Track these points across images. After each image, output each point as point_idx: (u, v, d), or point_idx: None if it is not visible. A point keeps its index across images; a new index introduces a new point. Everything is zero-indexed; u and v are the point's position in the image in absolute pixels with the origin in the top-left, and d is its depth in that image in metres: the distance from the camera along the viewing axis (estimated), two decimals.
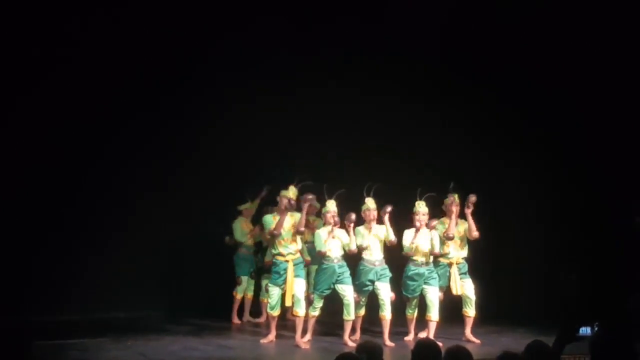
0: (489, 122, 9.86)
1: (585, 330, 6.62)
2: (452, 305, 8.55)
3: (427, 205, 8.20)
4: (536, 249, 9.69)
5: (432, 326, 8.23)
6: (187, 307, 9.83)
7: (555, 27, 9.06)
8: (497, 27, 9.35)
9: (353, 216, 7.97)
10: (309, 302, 8.15)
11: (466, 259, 8.50)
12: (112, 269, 9.48)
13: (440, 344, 4.71)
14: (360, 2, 9.52)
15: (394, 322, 8.26)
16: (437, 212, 8.49)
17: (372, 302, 8.28)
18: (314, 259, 8.73)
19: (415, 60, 9.72)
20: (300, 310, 7.97)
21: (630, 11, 8.56)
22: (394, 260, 8.34)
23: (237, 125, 9.86)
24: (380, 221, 8.14)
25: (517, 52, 9.36)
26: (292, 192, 8.06)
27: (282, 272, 8.04)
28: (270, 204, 8.85)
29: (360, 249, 8.06)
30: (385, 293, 8.11)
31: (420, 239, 8.14)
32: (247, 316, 9.71)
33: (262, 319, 9.50)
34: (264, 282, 9.30)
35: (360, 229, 8.14)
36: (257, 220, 9.46)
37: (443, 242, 8.29)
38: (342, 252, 8.07)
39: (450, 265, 8.43)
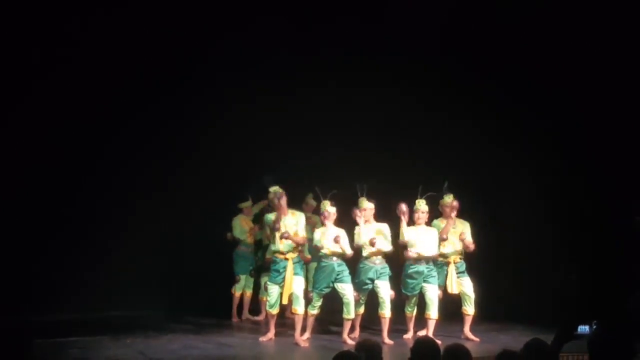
0: (489, 122, 9.85)
1: (583, 329, 6.65)
2: (451, 304, 8.57)
3: (427, 203, 8.24)
4: (536, 248, 9.69)
5: (431, 324, 8.25)
6: (186, 305, 9.85)
7: (555, 26, 9.06)
8: (497, 27, 9.36)
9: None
10: (308, 301, 8.16)
11: (464, 258, 8.53)
12: (111, 267, 9.51)
13: (439, 342, 4.73)
14: (360, 2, 9.53)
15: (393, 320, 8.29)
16: (437, 212, 8.53)
17: (372, 301, 8.29)
18: (314, 257, 8.74)
19: (415, 60, 9.71)
20: (299, 309, 7.99)
21: (630, 11, 8.57)
22: (393, 259, 8.36)
23: (237, 125, 9.88)
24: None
25: (517, 52, 9.36)
26: (273, 189, 8.15)
27: (281, 270, 8.05)
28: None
29: (372, 244, 8.06)
30: (385, 291, 8.12)
31: (421, 237, 8.17)
32: (246, 314, 9.72)
33: (261, 317, 9.51)
34: (263, 280, 9.31)
35: (359, 228, 8.16)
36: (257, 219, 9.50)
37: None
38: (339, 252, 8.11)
39: (448, 264, 8.45)
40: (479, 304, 8.49)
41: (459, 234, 8.43)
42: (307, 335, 8.18)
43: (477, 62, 9.65)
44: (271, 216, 8.17)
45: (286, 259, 8.07)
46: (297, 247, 8.15)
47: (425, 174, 9.16)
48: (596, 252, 8.97)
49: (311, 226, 8.84)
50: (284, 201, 8.07)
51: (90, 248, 9.51)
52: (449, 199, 8.40)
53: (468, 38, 9.56)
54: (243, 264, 9.61)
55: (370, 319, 8.52)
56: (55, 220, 9.30)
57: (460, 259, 8.51)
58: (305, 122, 10.05)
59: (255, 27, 9.42)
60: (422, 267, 8.23)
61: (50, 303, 9.18)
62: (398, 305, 8.36)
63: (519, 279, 9.66)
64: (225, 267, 9.69)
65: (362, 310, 8.34)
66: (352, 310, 8.04)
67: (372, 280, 8.14)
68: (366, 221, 8.16)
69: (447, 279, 8.40)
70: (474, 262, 8.70)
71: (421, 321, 8.38)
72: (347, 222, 8.29)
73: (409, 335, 8.38)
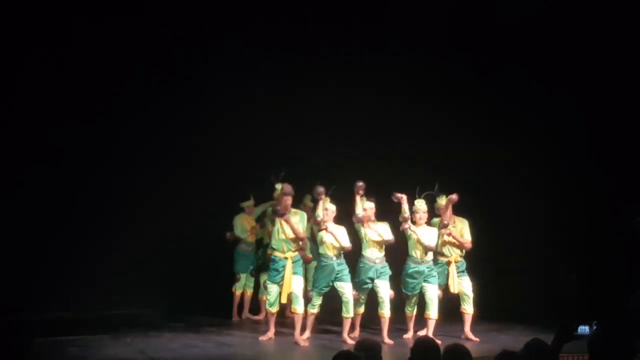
0: (489, 122, 9.86)
1: (583, 329, 6.65)
2: (451, 303, 8.57)
3: (427, 203, 8.27)
4: (536, 248, 9.70)
5: (431, 324, 8.26)
6: (186, 304, 9.87)
7: (556, 27, 9.07)
8: (497, 27, 9.36)
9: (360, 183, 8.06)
10: (308, 300, 8.17)
11: (464, 257, 8.54)
12: (112, 266, 9.52)
13: (439, 341, 4.73)
14: (360, 2, 9.54)
15: (393, 319, 8.30)
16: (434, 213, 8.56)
17: (372, 300, 8.30)
18: (314, 256, 8.75)
19: (415, 61, 9.72)
20: (298, 308, 8.00)
21: (630, 11, 8.58)
22: (393, 258, 8.37)
23: (237, 126, 9.89)
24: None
25: (517, 53, 9.37)
26: (278, 187, 8.17)
27: (280, 270, 8.06)
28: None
29: (357, 219, 8.09)
30: (385, 291, 8.13)
31: (421, 235, 8.19)
32: (246, 313, 9.74)
33: (261, 316, 9.51)
34: (262, 279, 9.32)
35: (359, 227, 8.18)
36: (260, 219, 9.52)
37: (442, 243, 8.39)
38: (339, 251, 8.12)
39: (448, 263, 8.47)
40: (479, 304, 8.50)
41: (459, 232, 8.44)
42: (307, 334, 8.19)
43: (477, 62, 9.66)
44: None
45: (285, 258, 8.07)
46: (298, 245, 8.14)
47: (424, 173, 9.17)
48: (596, 252, 8.99)
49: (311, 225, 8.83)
50: (289, 201, 8.07)
51: (90, 247, 9.51)
52: (442, 201, 8.42)
53: (468, 38, 9.57)
54: (244, 263, 9.62)
55: (370, 319, 8.52)
56: (56, 219, 9.30)
57: (461, 257, 8.52)
58: (305, 122, 10.06)
59: (255, 27, 9.43)
60: (422, 267, 8.24)
61: (50, 302, 9.18)
62: (398, 305, 8.38)
63: (519, 279, 9.67)
64: (225, 266, 9.70)
65: (362, 309, 8.36)
66: (351, 310, 8.05)
67: (372, 280, 8.16)
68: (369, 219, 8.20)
69: (449, 278, 8.41)
70: (474, 262, 8.71)
71: (421, 321, 8.39)
72: (347, 220, 8.28)
73: (409, 335, 8.40)
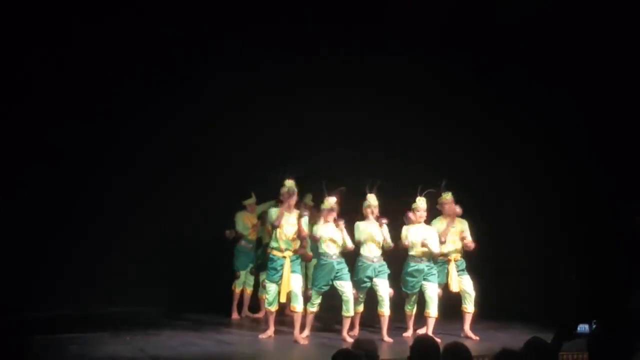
0: (489, 122, 9.88)
1: (583, 328, 6.65)
2: (451, 302, 8.59)
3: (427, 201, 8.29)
4: (536, 247, 9.71)
5: (431, 322, 8.27)
6: (186, 302, 9.89)
7: (556, 27, 9.08)
8: (497, 27, 9.38)
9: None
10: (307, 298, 8.18)
11: (464, 256, 8.55)
12: (111, 265, 9.54)
13: (438, 340, 4.73)
14: (361, 2, 9.55)
15: (393, 318, 8.30)
16: (435, 212, 8.56)
17: (372, 299, 8.31)
18: (314, 255, 8.75)
19: (415, 61, 9.74)
20: (297, 306, 8.00)
21: (630, 11, 8.59)
22: (392, 257, 8.38)
23: (237, 126, 9.91)
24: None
25: (517, 53, 9.38)
26: (288, 184, 8.10)
27: (278, 269, 8.06)
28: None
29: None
30: (384, 289, 8.14)
31: (420, 234, 8.22)
32: (246, 311, 9.75)
33: (260, 315, 9.52)
34: (262, 278, 9.32)
35: (360, 224, 8.19)
36: (260, 216, 9.56)
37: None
38: (339, 249, 8.13)
39: (448, 262, 8.48)
40: (479, 303, 8.51)
41: (459, 233, 8.45)
42: (306, 332, 8.20)
43: (477, 62, 9.67)
44: (275, 211, 8.17)
45: (284, 257, 8.08)
46: (297, 243, 8.15)
47: (424, 173, 9.17)
48: (596, 251, 9.00)
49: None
50: (293, 200, 8.07)
51: (90, 246, 9.53)
52: (447, 196, 8.42)
53: (468, 38, 9.58)
54: (243, 260, 9.63)
55: (370, 317, 8.53)
56: (56, 218, 9.32)
57: (461, 256, 8.54)
58: (304, 121, 10.07)
59: (255, 27, 9.44)
60: (422, 266, 8.26)
61: (50, 300, 9.19)
62: (398, 303, 8.38)
63: (519, 278, 9.68)
64: (225, 264, 9.70)
65: (361, 308, 8.36)
66: (351, 308, 8.06)
67: (370, 279, 8.16)
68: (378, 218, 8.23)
69: (449, 277, 8.43)
70: (474, 261, 8.72)
71: (421, 319, 8.40)
72: (346, 219, 8.29)
73: (408, 334, 8.41)
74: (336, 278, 8.07)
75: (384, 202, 8.31)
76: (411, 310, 8.44)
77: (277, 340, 8.18)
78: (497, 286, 9.44)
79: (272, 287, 8.13)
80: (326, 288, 8.13)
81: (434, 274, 8.32)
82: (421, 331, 8.25)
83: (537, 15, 9.09)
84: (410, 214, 8.24)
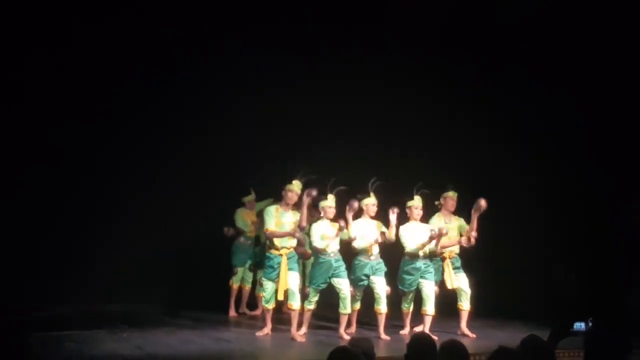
0: (488, 121, 9.87)
1: (579, 326, 6.67)
2: (447, 300, 8.60)
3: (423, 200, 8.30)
4: (534, 246, 9.72)
5: (428, 320, 8.28)
6: (183, 300, 9.88)
7: (555, 26, 9.08)
8: (497, 27, 9.38)
9: (356, 204, 8.02)
10: (305, 296, 8.18)
11: (459, 254, 8.56)
12: (109, 261, 9.54)
13: (435, 337, 4.73)
14: (361, 1, 9.55)
15: (390, 315, 8.31)
16: (430, 209, 8.55)
17: (368, 296, 8.32)
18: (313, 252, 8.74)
19: (415, 60, 9.76)
20: (295, 304, 8.00)
21: (630, 11, 8.58)
22: (389, 254, 8.39)
23: (237, 125, 9.92)
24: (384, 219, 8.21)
25: (517, 52, 9.39)
26: (297, 186, 8.07)
27: (275, 266, 8.06)
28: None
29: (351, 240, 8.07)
30: (381, 287, 8.15)
31: (419, 233, 8.23)
32: (244, 308, 9.76)
33: (258, 312, 9.52)
34: (259, 276, 9.32)
35: (359, 222, 8.20)
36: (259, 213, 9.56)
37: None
38: (338, 247, 8.13)
39: (443, 259, 8.48)
40: (476, 301, 8.52)
41: (457, 227, 8.45)
42: (303, 330, 8.20)
43: (477, 62, 9.68)
44: (272, 210, 8.16)
45: (280, 255, 8.07)
46: (292, 239, 8.15)
47: (424, 173, 9.18)
48: (595, 251, 9.00)
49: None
50: (292, 199, 8.05)
51: (87, 244, 9.53)
52: (453, 194, 8.42)
53: (468, 38, 9.59)
54: (241, 256, 9.64)
55: (367, 315, 8.53)
56: (53, 214, 9.33)
57: (456, 254, 8.54)
58: (305, 121, 10.07)
59: (255, 27, 9.45)
60: (419, 263, 8.26)
61: (47, 297, 9.18)
62: (395, 301, 8.39)
63: (518, 277, 9.69)
64: (223, 262, 9.70)
65: (358, 306, 8.37)
66: (348, 306, 8.07)
67: (368, 277, 8.17)
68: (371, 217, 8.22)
69: (445, 274, 8.43)
70: (470, 259, 8.73)
71: (418, 317, 8.41)
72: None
73: (405, 331, 8.43)
74: (334, 276, 8.07)
75: (383, 201, 8.31)
76: (408, 308, 8.45)
77: (275, 338, 8.18)
78: (495, 284, 9.45)
79: (269, 285, 8.13)
80: (324, 286, 8.13)
81: (431, 272, 8.32)
82: (418, 329, 8.25)
83: (537, 15, 9.09)
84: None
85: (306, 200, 7.86)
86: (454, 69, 9.80)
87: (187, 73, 9.70)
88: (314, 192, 7.85)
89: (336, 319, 8.22)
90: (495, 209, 9.57)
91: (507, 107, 9.70)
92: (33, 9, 8.62)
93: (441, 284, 8.54)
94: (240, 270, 9.63)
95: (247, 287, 9.73)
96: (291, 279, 8.03)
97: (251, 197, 9.67)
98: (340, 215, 8.14)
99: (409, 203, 8.31)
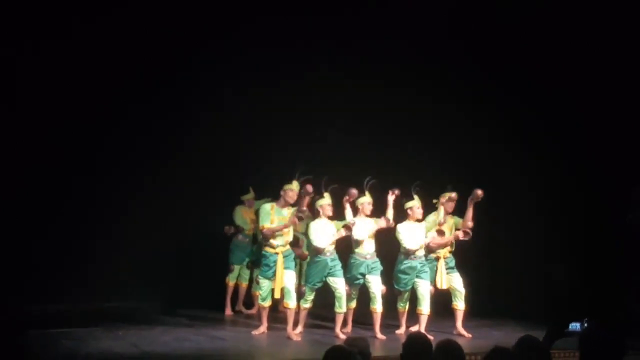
0: (487, 121, 9.86)
1: (575, 326, 6.66)
2: (443, 299, 8.58)
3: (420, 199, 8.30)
4: (531, 246, 9.71)
5: (423, 320, 8.27)
6: (180, 298, 9.86)
7: (555, 26, 9.07)
8: (497, 27, 9.37)
9: (354, 191, 8.04)
10: (300, 295, 8.17)
11: (453, 252, 8.54)
12: (106, 259, 9.52)
13: (431, 337, 4.73)
14: (361, 1, 9.56)
15: (385, 315, 8.30)
16: (428, 208, 8.55)
17: (364, 295, 8.30)
18: (309, 252, 8.73)
19: (415, 60, 9.75)
20: (291, 302, 7.99)
21: (630, 11, 8.58)
22: (385, 254, 8.38)
23: (236, 125, 9.93)
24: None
25: (517, 52, 9.38)
26: (295, 185, 8.05)
27: (271, 265, 8.04)
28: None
29: (350, 226, 8.03)
30: (376, 286, 8.14)
31: (417, 233, 8.23)
32: (240, 305, 9.75)
33: (254, 311, 9.51)
34: (255, 275, 9.31)
35: (356, 220, 8.17)
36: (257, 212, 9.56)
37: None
38: (334, 246, 8.12)
39: (437, 259, 8.47)
40: (471, 300, 8.50)
41: (451, 226, 8.45)
42: (299, 329, 8.19)
43: (477, 62, 9.67)
44: (268, 207, 8.14)
45: (276, 253, 8.06)
46: (289, 235, 8.13)
47: (424, 172, 9.17)
48: (594, 251, 8.99)
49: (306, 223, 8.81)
50: (293, 198, 8.03)
51: (84, 242, 9.52)
52: (454, 194, 8.41)
53: (468, 38, 9.58)
54: (239, 254, 9.63)
55: (363, 314, 8.52)
56: (51, 212, 9.32)
57: (450, 252, 8.53)
58: (304, 121, 10.06)
59: (255, 26, 9.45)
60: (415, 263, 8.25)
61: (44, 295, 9.16)
62: (390, 300, 8.38)
63: (512, 276, 9.68)
64: (220, 260, 9.70)
65: (353, 304, 8.36)
66: (344, 305, 8.05)
67: (363, 275, 8.16)
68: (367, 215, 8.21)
69: (437, 274, 8.41)
70: (466, 258, 8.72)
71: (413, 316, 8.40)
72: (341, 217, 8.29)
73: (401, 331, 8.41)
74: (329, 274, 8.06)
75: (380, 200, 8.31)
76: (404, 307, 8.43)
77: (270, 337, 8.17)
78: (489, 283, 9.44)
79: (265, 284, 8.11)
80: (320, 285, 8.12)
81: (427, 272, 8.31)
82: (413, 328, 8.25)
83: (537, 15, 9.08)
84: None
85: (306, 198, 7.92)
86: (454, 69, 9.79)
87: (187, 72, 9.70)
88: (310, 190, 7.87)
89: (332, 318, 8.21)
90: (495, 209, 9.60)
91: (507, 107, 9.69)
92: (31, 9, 8.61)
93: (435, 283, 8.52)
94: (237, 267, 9.62)
95: (244, 284, 9.72)
96: (287, 278, 8.02)
97: (250, 195, 9.67)
98: (336, 213, 8.14)
99: (410, 204, 8.28)
